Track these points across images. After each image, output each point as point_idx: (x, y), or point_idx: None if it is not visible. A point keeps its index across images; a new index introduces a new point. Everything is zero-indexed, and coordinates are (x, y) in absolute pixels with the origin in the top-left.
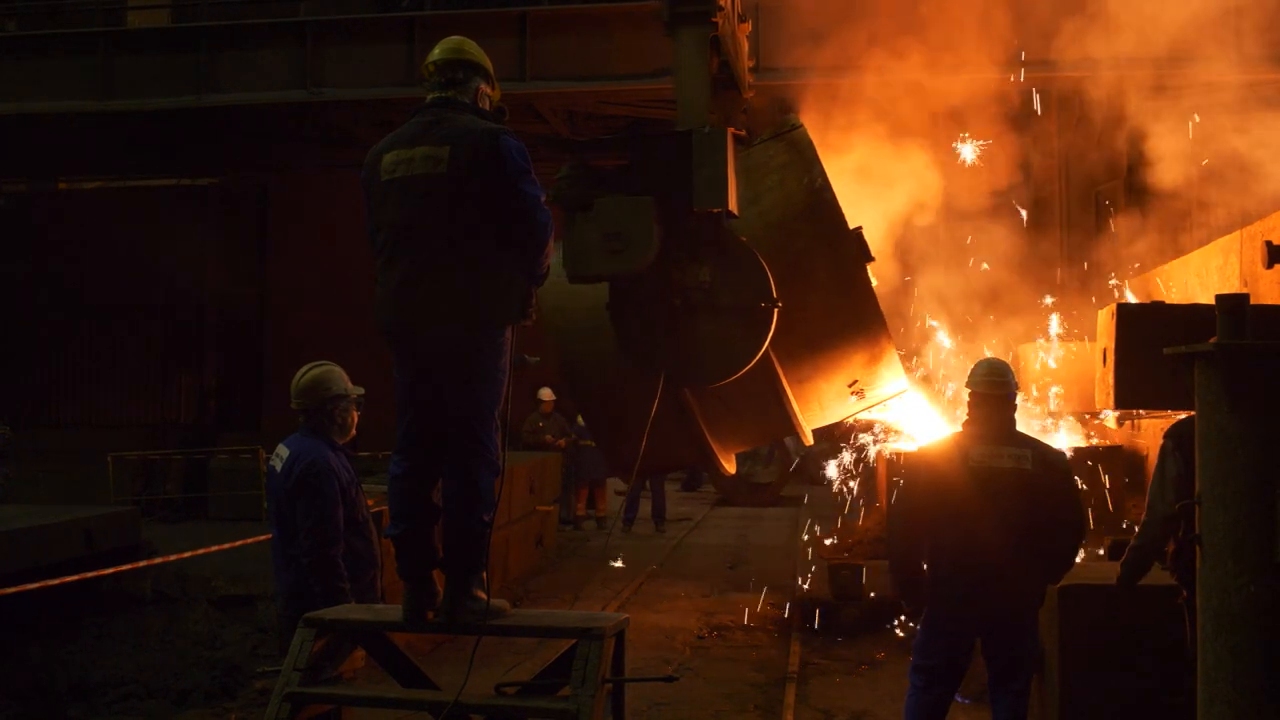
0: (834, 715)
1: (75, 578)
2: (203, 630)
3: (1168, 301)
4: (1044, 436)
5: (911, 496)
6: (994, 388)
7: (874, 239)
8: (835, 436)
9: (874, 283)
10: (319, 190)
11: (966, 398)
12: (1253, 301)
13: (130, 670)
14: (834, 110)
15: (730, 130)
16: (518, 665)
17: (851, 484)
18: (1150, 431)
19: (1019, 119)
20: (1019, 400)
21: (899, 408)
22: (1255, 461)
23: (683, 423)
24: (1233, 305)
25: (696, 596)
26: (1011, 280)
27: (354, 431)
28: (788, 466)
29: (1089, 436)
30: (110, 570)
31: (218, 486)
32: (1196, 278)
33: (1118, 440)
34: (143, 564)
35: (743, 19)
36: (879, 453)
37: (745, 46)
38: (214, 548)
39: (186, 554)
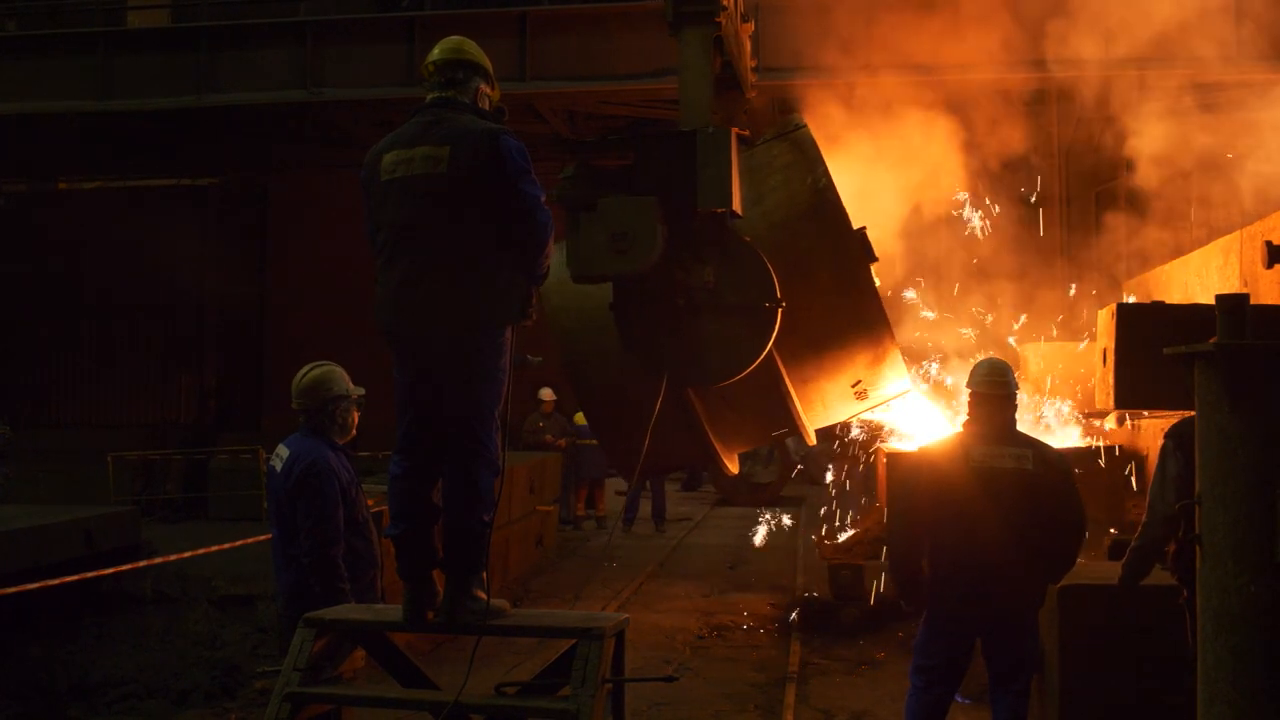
0: (834, 715)
1: (75, 578)
2: (203, 630)
3: (1168, 301)
4: (1044, 436)
5: (912, 496)
6: (995, 387)
7: (874, 238)
8: (831, 436)
9: (877, 283)
10: (319, 190)
11: (967, 398)
12: (1253, 301)
13: (130, 670)
14: (833, 110)
15: (734, 130)
16: (519, 666)
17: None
18: (1150, 431)
19: (1019, 118)
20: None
21: (898, 407)
22: (1255, 461)
23: (686, 422)
24: (1233, 305)
25: (696, 596)
26: (1011, 279)
27: (354, 432)
28: (789, 467)
29: (1089, 436)
30: (110, 570)
31: (218, 486)
32: (1196, 278)
33: (1118, 440)
34: (143, 564)
35: (745, 19)
36: (879, 452)
37: (748, 46)
38: (214, 548)
39: (186, 554)
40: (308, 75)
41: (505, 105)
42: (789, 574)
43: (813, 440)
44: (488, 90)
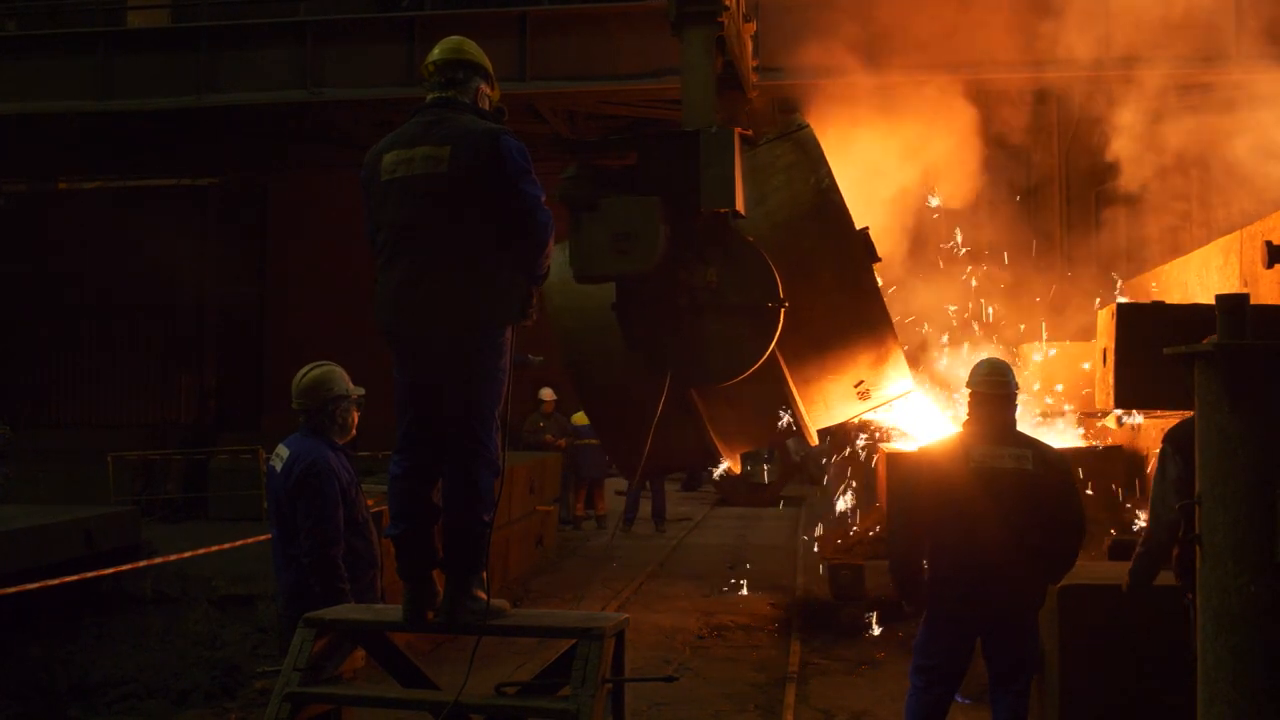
0: (834, 715)
1: (75, 578)
2: (203, 630)
3: (1168, 301)
4: (1044, 436)
5: (912, 496)
6: (995, 387)
7: (875, 238)
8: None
9: (880, 283)
10: (319, 190)
11: (967, 398)
12: (1253, 301)
13: (130, 670)
14: (833, 109)
15: (737, 130)
16: (521, 666)
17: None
18: (1150, 432)
19: (1019, 117)
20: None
21: (899, 407)
22: (1255, 461)
23: (689, 422)
24: (1233, 305)
25: (696, 596)
26: (1011, 279)
27: (354, 432)
28: (790, 468)
29: (1089, 436)
30: (110, 570)
31: (218, 486)
32: (1196, 278)
33: (1118, 440)
34: (143, 564)
35: (747, 18)
36: (879, 452)
37: (750, 46)
38: (214, 548)
39: (186, 554)
40: (308, 75)
41: (505, 105)
42: (789, 574)
43: (815, 440)
44: (488, 90)
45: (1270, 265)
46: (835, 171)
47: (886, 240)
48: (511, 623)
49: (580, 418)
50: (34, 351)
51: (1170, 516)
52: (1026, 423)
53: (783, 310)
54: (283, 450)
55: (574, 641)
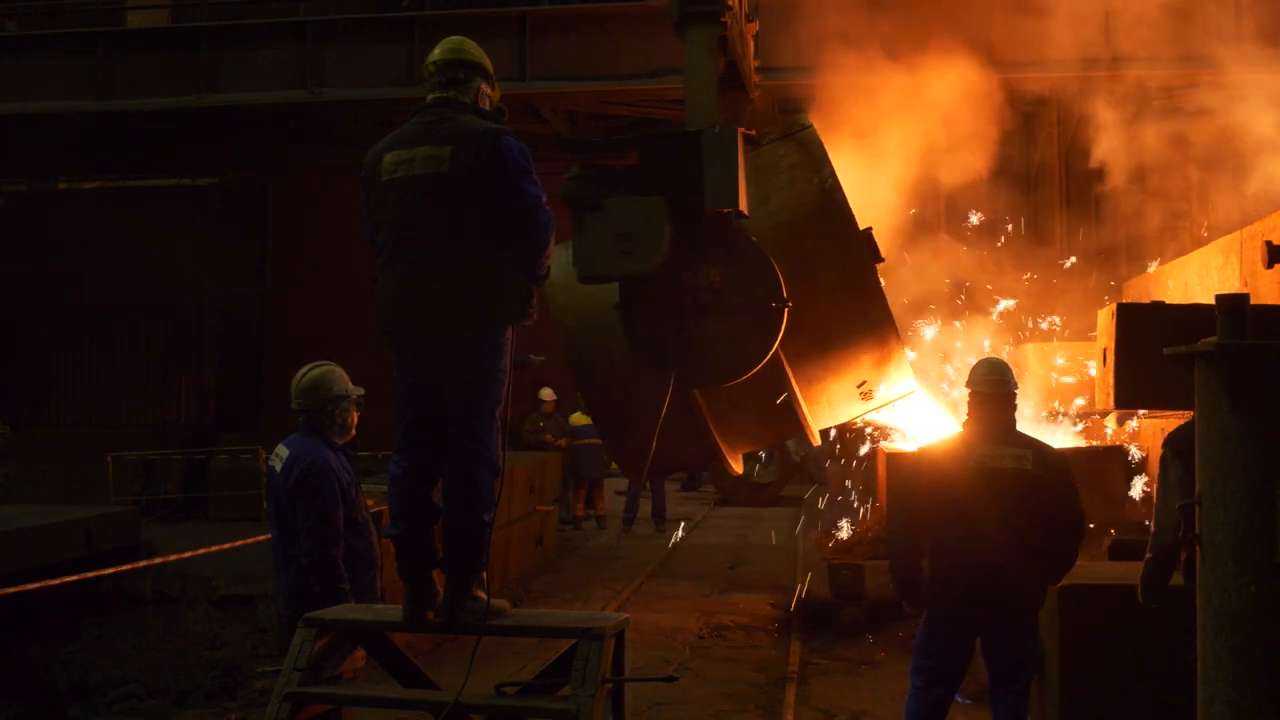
0: (834, 715)
1: (75, 578)
2: (203, 630)
3: (1167, 301)
4: (1043, 436)
5: (912, 496)
6: (994, 387)
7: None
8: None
9: (883, 283)
10: (319, 190)
11: (967, 397)
12: (1253, 301)
13: (130, 670)
14: (833, 109)
15: (740, 130)
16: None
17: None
18: (1150, 432)
19: (1019, 118)
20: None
21: (899, 406)
22: (1255, 461)
23: (691, 423)
24: (1233, 305)
25: (696, 596)
26: (1010, 278)
27: (354, 432)
28: (790, 467)
29: (1089, 437)
30: (110, 570)
31: (218, 486)
32: (1196, 278)
33: (1118, 440)
34: (143, 564)
35: (749, 18)
36: (878, 452)
37: (752, 46)
38: (214, 548)
39: (186, 554)
40: (308, 75)
41: (505, 105)
42: (789, 574)
43: (817, 441)
44: (488, 90)
45: (1270, 265)
46: (838, 171)
47: (886, 237)
48: (511, 623)
49: (579, 418)
50: (34, 351)
51: (1174, 519)
52: (1031, 422)
53: (786, 310)
54: (282, 450)
55: (574, 641)
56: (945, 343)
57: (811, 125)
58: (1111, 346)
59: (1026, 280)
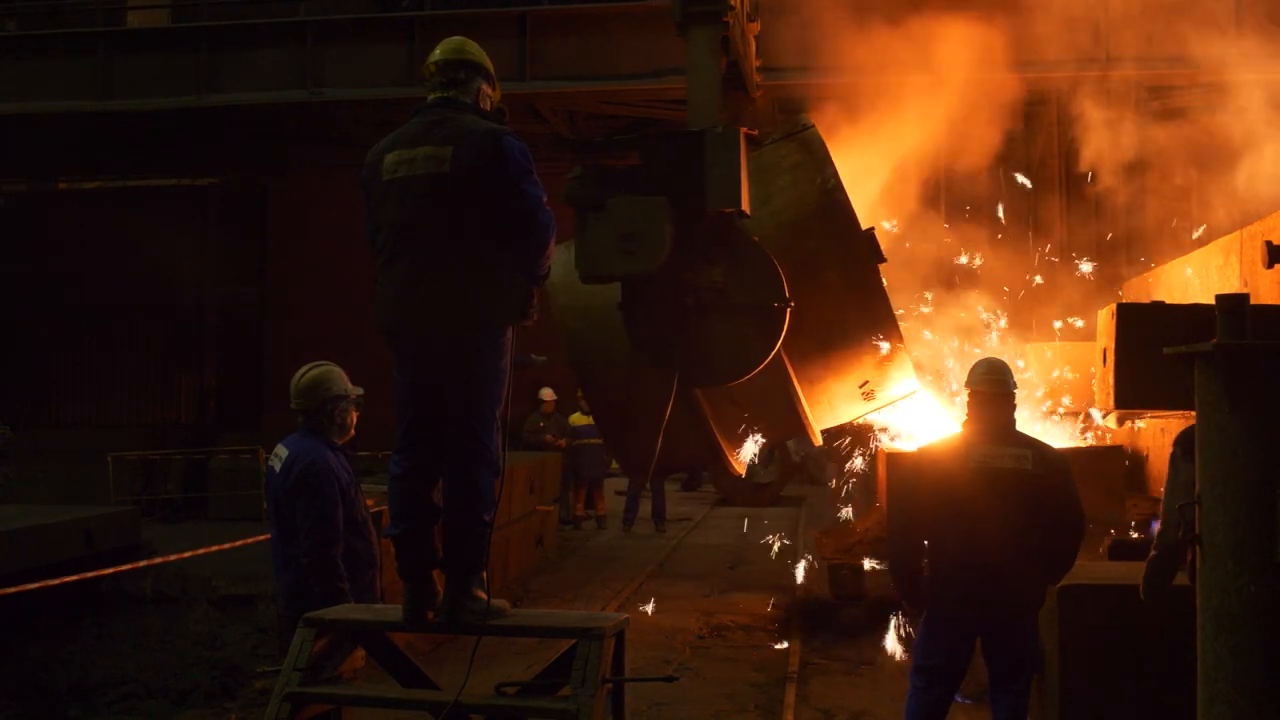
0: (834, 715)
1: (75, 578)
2: (203, 630)
3: (1168, 301)
4: (1044, 436)
5: (912, 496)
6: (994, 386)
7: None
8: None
9: (885, 283)
10: (319, 190)
11: (966, 397)
12: (1253, 301)
13: (130, 670)
14: (833, 109)
15: (743, 130)
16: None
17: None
18: (1150, 431)
19: (1019, 118)
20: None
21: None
22: (1255, 461)
23: (693, 422)
24: (1233, 305)
25: (696, 596)
26: (1010, 278)
27: (353, 432)
28: (790, 467)
29: (1088, 436)
30: (110, 570)
31: (218, 486)
32: (1196, 278)
33: (1118, 440)
34: (143, 564)
35: (751, 18)
36: (878, 451)
37: (754, 46)
38: (214, 548)
39: (186, 554)
40: (308, 75)
41: (505, 105)
42: (789, 574)
43: (819, 441)
44: (489, 91)
45: (1270, 265)
46: (840, 171)
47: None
48: (511, 623)
49: (578, 418)
50: (34, 351)
51: (1179, 518)
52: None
53: (788, 310)
54: (281, 450)
55: (574, 641)
56: (944, 325)
57: (813, 125)
58: (1111, 346)
59: (1027, 278)
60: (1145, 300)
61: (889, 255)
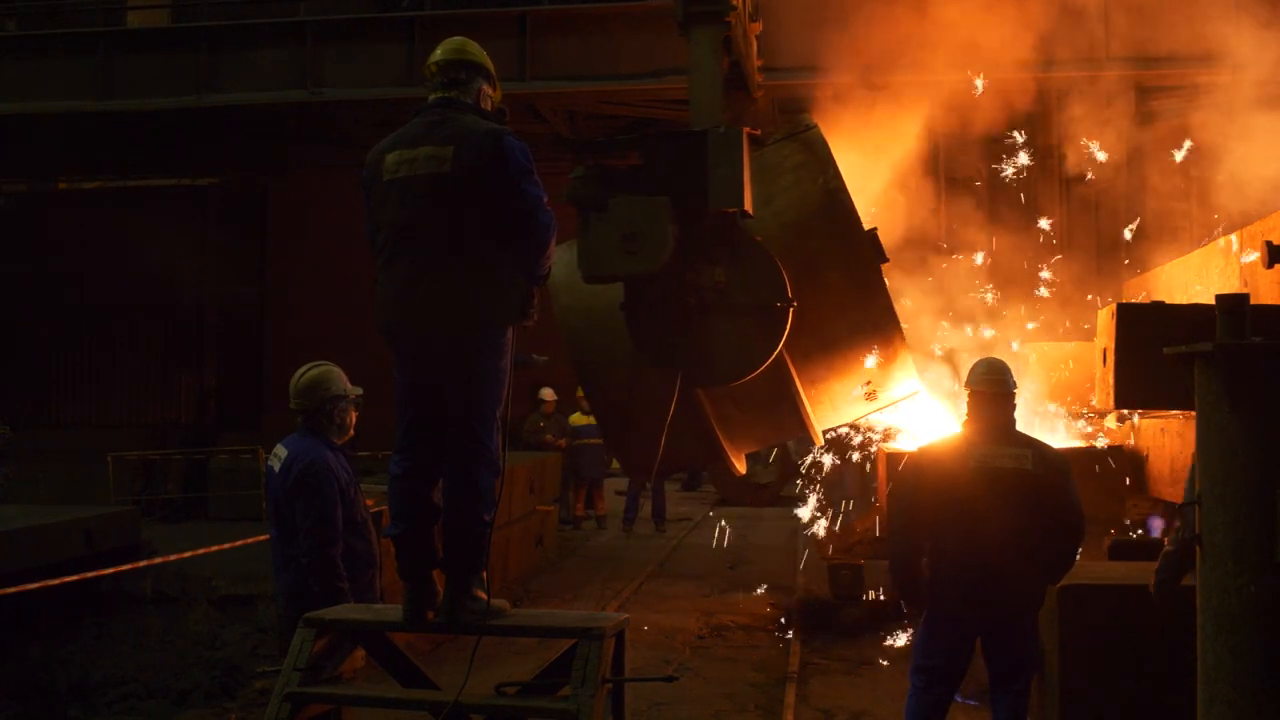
0: (834, 715)
1: (75, 578)
2: (203, 630)
3: (1167, 301)
4: (1044, 436)
5: (912, 496)
6: (994, 386)
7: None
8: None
9: (887, 284)
10: (319, 190)
11: (966, 397)
12: (1253, 301)
13: (130, 670)
14: (834, 108)
15: (745, 130)
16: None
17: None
18: (1149, 432)
19: (1019, 118)
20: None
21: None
22: (1255, 461)
23: (695, 422)
24: (1233, 305)
25: (696, 596)
26: (1011, 279)
27: (352, 432)
28: (790, 468)
29: (1088, 436)
30: (110, 570)
31: (218, 486)
32: (1196, 278)
33: (1118, 440)
34: (143, 564)
35: (753, 18)
36: (878, 451)
37: (755, 46)
38: (214, 548)
39: (186, 554)
40: (308, 75)
41: (506, 105)
42: (789, 574)
43: (821, 441)
44: (490, 91)
45: (1270, 265)
46: (842, 171)
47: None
48: (511, 623)
49: (578, 418)
50: (34, 351)
51: None
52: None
53: (791, 310)
54: (281, 450)
55: (574, 641)
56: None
57: (816, 125)
58: (1111, 346)
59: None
60: (1145, 300)
61: (891, 256)
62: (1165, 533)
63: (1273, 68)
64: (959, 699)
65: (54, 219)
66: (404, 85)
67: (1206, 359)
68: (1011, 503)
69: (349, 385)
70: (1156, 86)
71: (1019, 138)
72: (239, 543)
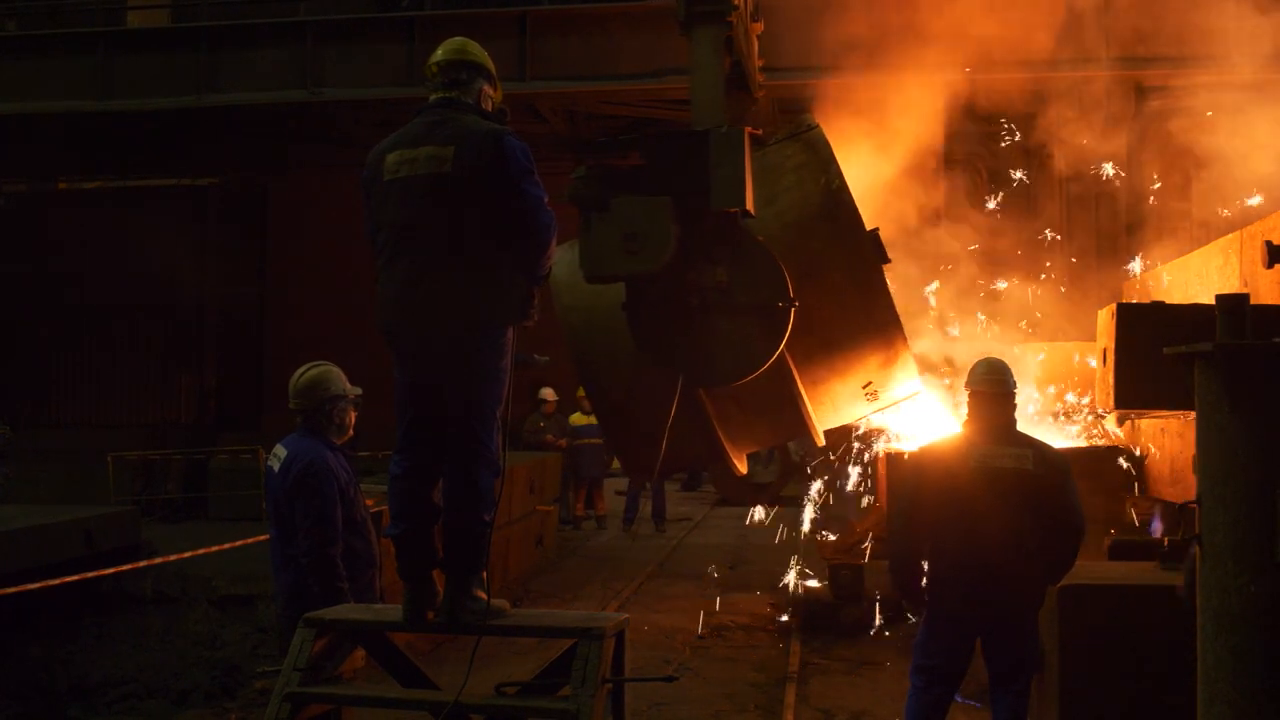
0: (834, 715)
1: (75, 578)
2: (203, 630)
3: (1168, 301)
4: (1044, 436)
5: (913, 496)
6: (994, 386)
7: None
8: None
9: (889, 284)
10: (319, 190)
11: (966, 397)
12: (1253, 301)
13: (130, 670)
14: (834, 108)
15: (747, 130)
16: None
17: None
18: (1149, 432)
19: (1020, 117)
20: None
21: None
22: (1255, 461)
23: (697, 422)
24: (1233, 305)
25: (696, 596)
26: (1011, 278)
27: (351, 431)
28: (790, 468)
29: (1088, 436)
30: (110, 570)
31: (218, 486)
32: (1196, 278)
33: (1118, 440)
34: (143, 564)
35: (754, 18)
36: (878, 452)
37: (756, 46)
38: (214, 548)
39: (186, 554)
40: (308, 75)
41: (506, 105)
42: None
43: (822, 441)
44: (490, 91)
45: (1270, 265)
46: (845, 171)
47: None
48: (511, 623)
49: (578, 418)
50: (34, 351)
51: None
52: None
53: (793, 310)
54: (280, 450)
55: (574, 641)
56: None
57: (818, 125)
58: (1111, 346)
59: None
60: (1145, 300)
61: (893, 256)
62: (1165, 533)
63: (1272, 67)
64: (959, 699)
65: (54, 219)
66: (404, 85)
67: (1206, 359)
68: (1012, 503)
69: (348, 385)
70: (1156, 85)
71: (1018, 137)
72: (239, 543)
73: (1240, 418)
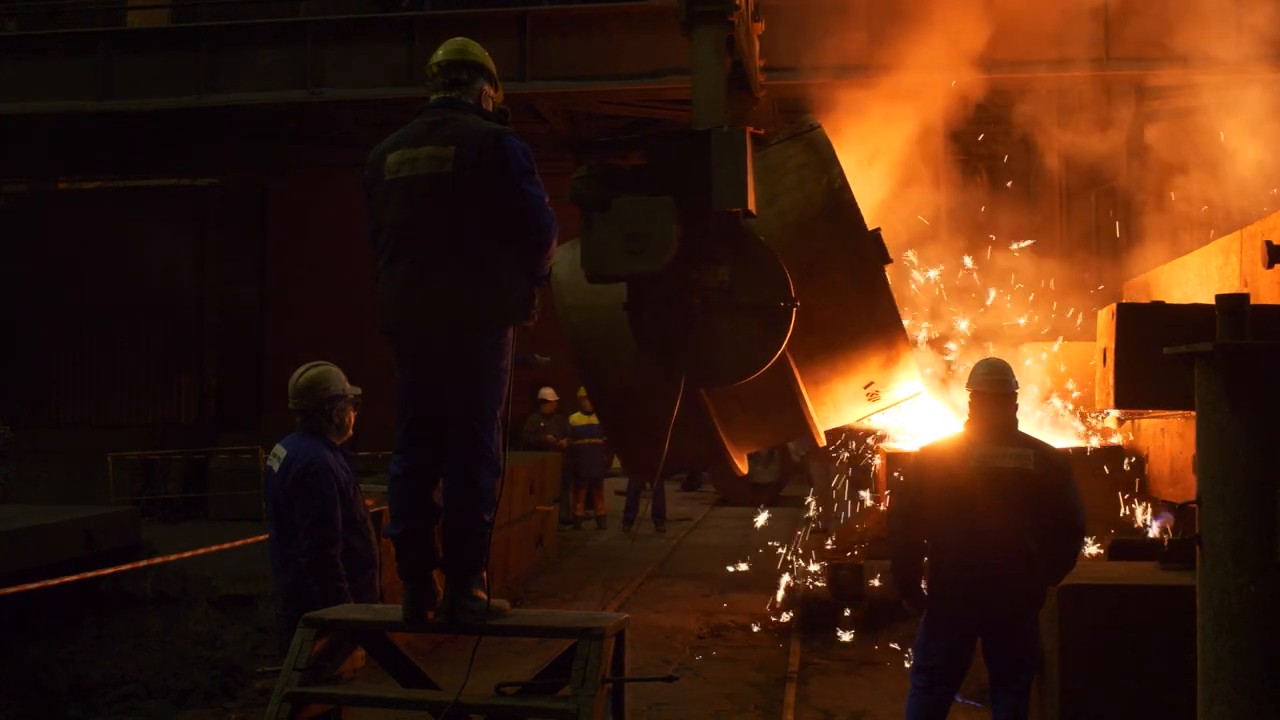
0: (834, 715)
1: (75, 578)
2: (203, 630)
3: (1167, 301)
4: (1044, 436)
5: (914, 496)
6: (995, 386)
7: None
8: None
9: (891, 284)
10: (319, 190)
11: (968, 397)
12: (1253, 301)
13: (130, 670)
14: (835, 108)
15: (749, 130)
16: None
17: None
18: (1149, 432)
19: (1020, 117)
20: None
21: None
22: (1255, 461)
23: (698, 422)
24: (1233, 305)
25: (696, 596)
26: (1009, 279)
27: (351, 431)
28: (790, 468)
29: (1089, 436)
30: (110, 570)
31: (218, 486)
32: (1196, 278)
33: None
34: (143, 564)
35: (755, 18)
36: (878, 452)
37: (757, 46)
38: (214, 548)
39: (186, 554)
40: (308, 75)
41: (506, 105)
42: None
43: (823, 441)
44: (491, 91)
45: (1270, 265)
46: (846, 171)
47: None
48: (511, 623)
49: (578, 418)
50: (34, 351)
51: None
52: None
53: (794, 310)
54: (280, 450)
55: (574, 641)
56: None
57: (820, 125)
58: (1111, 346)
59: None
60: (1145, 300)
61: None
62: (1165, 533)
63: (1273, 67)
64: (959, 699)
65: (54, 219)
66: (404, 85)
67: (1206, 359)
68: (1012, 503)
69: (348, 385)
70: (1156, 86)
71: (1017, 138)
72: (239, 543)
73: (1240, 418)
